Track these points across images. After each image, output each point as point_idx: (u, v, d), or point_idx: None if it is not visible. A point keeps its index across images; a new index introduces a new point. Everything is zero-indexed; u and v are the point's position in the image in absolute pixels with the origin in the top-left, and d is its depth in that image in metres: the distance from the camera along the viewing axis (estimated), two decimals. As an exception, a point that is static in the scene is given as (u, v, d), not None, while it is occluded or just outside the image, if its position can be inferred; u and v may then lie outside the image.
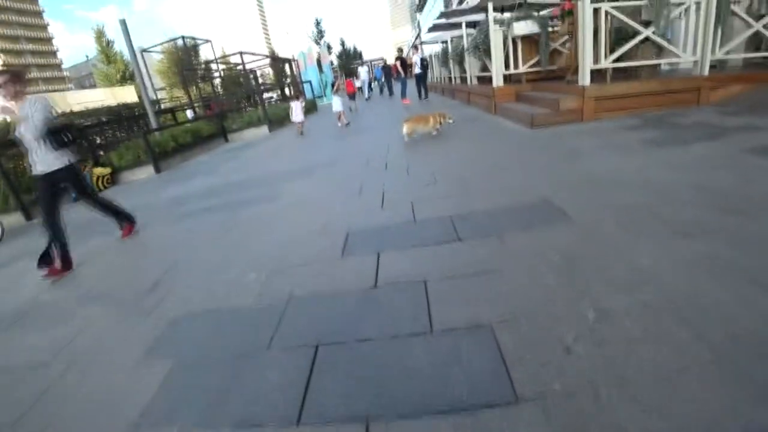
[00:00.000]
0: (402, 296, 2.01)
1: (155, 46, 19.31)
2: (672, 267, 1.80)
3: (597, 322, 1.54)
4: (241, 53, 16.51)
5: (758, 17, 5.40)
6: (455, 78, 11.68)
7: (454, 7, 18.69)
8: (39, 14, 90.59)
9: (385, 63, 22.60)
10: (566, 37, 6.77)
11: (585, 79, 5.22)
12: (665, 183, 2.78)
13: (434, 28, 17.95)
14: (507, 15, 6.90)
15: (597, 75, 5.32)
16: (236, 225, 3.65)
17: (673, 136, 4.04)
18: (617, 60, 5.34)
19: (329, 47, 41.89)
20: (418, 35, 62.88)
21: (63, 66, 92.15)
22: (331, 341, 1.76)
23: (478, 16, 12.61)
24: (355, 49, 65.00)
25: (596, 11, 5.03)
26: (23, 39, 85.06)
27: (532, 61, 7.06)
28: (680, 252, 1.91)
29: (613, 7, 5.10)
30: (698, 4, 5.21)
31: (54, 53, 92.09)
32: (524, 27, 6.60)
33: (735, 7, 5.29)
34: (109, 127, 11.77)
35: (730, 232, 2.01)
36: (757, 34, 5.41)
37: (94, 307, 2.64)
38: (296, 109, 10.33)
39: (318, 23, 45.22)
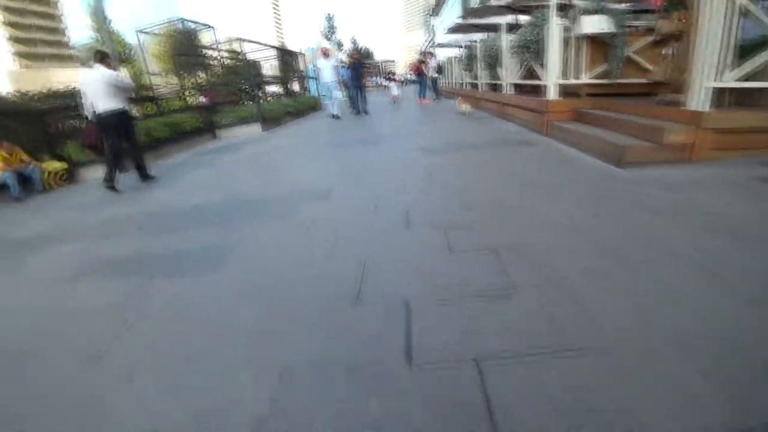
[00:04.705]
0: None
1: (152, 26, 17.61)
2: None
3: None
4: (240, 40, 14.89)
5: None
6: (482, 85, 10.01)
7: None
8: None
9: (356, 59, 13.17)
10: (650, 40, 5.11)
11: (702, 101, 3.56)
12: None
13: (456, 28, 16.37)
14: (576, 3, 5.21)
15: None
16: (140, 324, 1.96)
17: None
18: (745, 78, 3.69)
19: (340, 44, 40.27)
20: (432, 39, 61.44)
21: (73, 44, 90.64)
22: None
23: (507, 18, 11.02)
24: (367, 48, 63.41)
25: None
26: (30, 14, 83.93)
27: (598, 70, 5.40)
28: None
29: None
30: None
31: (62, 31, 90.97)
32: (596, 23, 4.92)
33: None
34: (75, 113, 10.02)
35: None
36: None
37: None
38: (393, 87, 15.35)
39: (330, 18, 43.57)
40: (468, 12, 14.76)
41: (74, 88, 11.01)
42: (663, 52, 4.50)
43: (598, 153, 4.05)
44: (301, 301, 1.93)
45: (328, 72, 11.39)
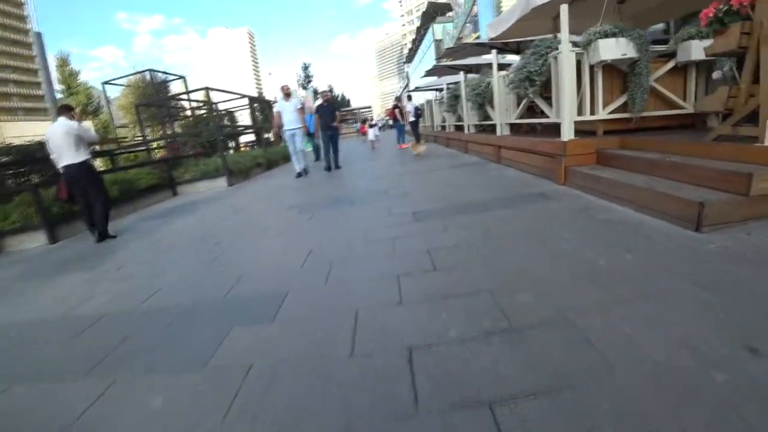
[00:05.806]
0: None
1: (120, 78, 16.68)
2: None
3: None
4: (207, 89, 13.99)
5: None
6: (468, 127, 9.16)
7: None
8: (28, 45, 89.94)
9: (327, 99, 10.14)
10: (671, 65, 4.27)
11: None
12: None
13: (433, 71, 15.97)
14: (584, 34, 4.35)
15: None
16: None
17: None
18: None
19: (316, 92, 40.36)
20: (407, 85, 63.06)
21: (48, 98, 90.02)
22: None
23: (486, 57, 10.46)
24: (343, 96, 64.38)
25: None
26: (8, 68, 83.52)
27: (617, 103, 4.49)
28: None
29: None
30: None
31: (38, 84, 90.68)
32: (615, 48, 4.05)
33: None
34: (9, 172, 8.57)
35: None
36: None
37: None
38: (371, 132, 15.94)
39: (306, 68, 43.95)
40: (445, 52, 14.41)
41: (10, 143, 9.69)
42: (714, 76, 3.61)
43: (655, 210, 2.97)
44: None
45: (289, 116, 8.87)
